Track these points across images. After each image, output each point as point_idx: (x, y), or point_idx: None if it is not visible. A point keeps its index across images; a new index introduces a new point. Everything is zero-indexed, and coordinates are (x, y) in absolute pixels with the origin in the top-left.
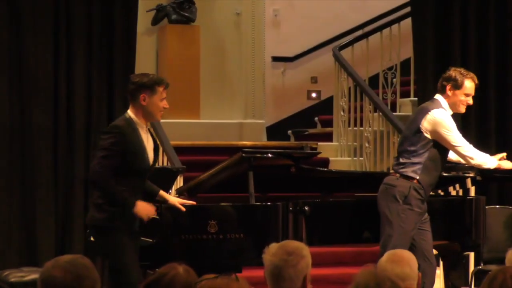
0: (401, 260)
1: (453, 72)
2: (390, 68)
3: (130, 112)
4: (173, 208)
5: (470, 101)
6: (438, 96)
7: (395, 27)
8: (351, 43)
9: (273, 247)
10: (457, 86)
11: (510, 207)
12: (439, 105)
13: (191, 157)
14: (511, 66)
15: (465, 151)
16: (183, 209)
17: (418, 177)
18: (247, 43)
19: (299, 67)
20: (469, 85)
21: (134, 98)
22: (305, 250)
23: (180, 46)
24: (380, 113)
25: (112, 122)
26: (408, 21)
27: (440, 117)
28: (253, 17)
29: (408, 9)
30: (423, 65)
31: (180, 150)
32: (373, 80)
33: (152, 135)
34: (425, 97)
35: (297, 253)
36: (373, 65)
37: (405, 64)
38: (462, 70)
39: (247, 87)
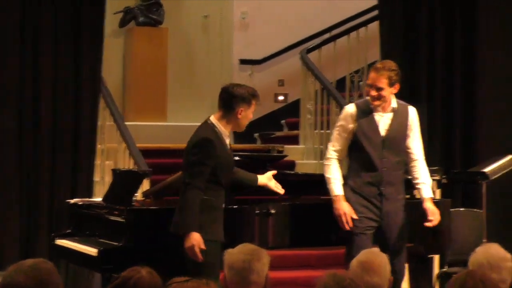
0: (371, 268)
1: None
2: (357, 71)
3: (216, 121)
4: (137, 211)
5: (373, 92)
6: None
7: (362, 30)
8: (318, 46)
9: (232, 250)
10: None
11: (475, 209)
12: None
13: (157, 160)
14: (477, 72)
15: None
16: (282, 191)
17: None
18: (215, 45)
19: (266, 69)
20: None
21: (230, 110)
22: (264, 251)
23: (147, 49)
24: None
25: (198, 134)
26: (375, 24)
27: None
28: (221, 19)
29: (375, 12)
30: None
31: (147, 153)
32: (340, 83)
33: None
34: None
35: (258, 250)
36: (340, 68)
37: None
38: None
39: (214, 89)
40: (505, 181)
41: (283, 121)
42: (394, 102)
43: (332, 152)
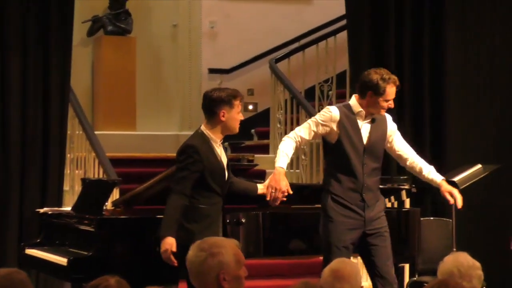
0: (341, 277)
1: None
2: (326, 81)
3: (204, 128)
4: (107, 220)
5: (391, 104)
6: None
7: (331, 39)
8: (287, 55)
9: (194, 244)
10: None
11: (444, 218)
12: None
13: (127, 169)
14: (445, 80)
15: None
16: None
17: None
18: (183, 55)
19: (235, 79)
20: (391, 90)
21: (212, 114)
22: (226, 241)
23: (116, 58)
24: None
25: (185, 142)
26: (344, 34)
27: None
28: (190, 29)
29: (344, 22)
30: (359, 78)
31: (116, 162)
32: (309, 93)
33: (225, 150)
34: None
35: (217, 243)
36: (309, 77)
37: (341, 76)
38: (384, 74)
39: (183, 99)
40: (474, 190)
41: (253, 130)
42: None
43: (295, 135)
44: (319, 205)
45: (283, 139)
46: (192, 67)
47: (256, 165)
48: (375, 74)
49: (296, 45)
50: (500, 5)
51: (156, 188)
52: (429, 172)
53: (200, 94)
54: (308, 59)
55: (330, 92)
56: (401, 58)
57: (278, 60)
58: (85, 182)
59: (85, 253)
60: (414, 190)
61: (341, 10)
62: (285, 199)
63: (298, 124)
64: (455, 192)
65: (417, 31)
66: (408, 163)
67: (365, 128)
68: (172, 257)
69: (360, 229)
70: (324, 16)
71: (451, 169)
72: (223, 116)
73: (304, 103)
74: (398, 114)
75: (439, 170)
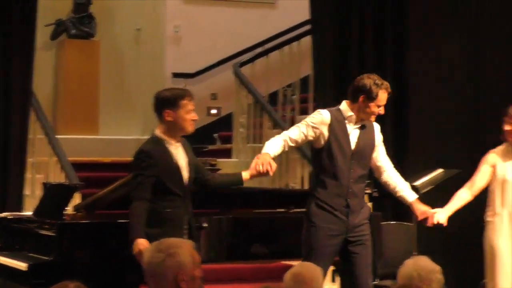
0: (303, 281)
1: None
2: (289, 85)
3: (157, 131)
4: (68, 225)
5: (383, 110)
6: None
7: (295, 44)
8: (251, 60)
9: (151, 245)
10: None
11: (405, 223)
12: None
13: (89, 174)
14: (408, 83)
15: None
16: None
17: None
18: (147, 59)
19: (199, 83)
20: (383, 96)
21: (159, 115)
22: (183, 242)
23: (79, 61)
24: (280, 130)
25: (140, 146)
26: (307, 39)
27: None
28: (154, 33)
29: (308, 27)
30: (322, 83)
31: (78, 166)
32: (273, 97)
33: (186, 150)
34: None
35: (173, 247)
36: (273, 82)
37: (304, 81)
38: (377, 80)
39: (146, 103)
40: (435, 194)
41: (216, 135)
42: None
43: (283, 134)
44: (281, 210)
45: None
46: (155, 71)
47: (219, 169)
48: (368, 79)
49: (260, 49)
50: (462, 10)
51: (119, 193)
52: (402, 189)
53: None
54: (272, 63)
55: (294, 97)
56: (365, 63)
57: (242, 64)
58: (46, 186)
59: (46, 258)
60: (375, 194)
61: (305, 15)
62: (271, 173)
63: (261, 128)
64: (428, 212)
65: (380, 36)
66: (384, 176)
67: (354, 133)
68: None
69: (343, 235)
70: (288, 21)
71: (413, 172)
72: (168, 116)
73: (268, 108)
74: None
75: (401, 172)
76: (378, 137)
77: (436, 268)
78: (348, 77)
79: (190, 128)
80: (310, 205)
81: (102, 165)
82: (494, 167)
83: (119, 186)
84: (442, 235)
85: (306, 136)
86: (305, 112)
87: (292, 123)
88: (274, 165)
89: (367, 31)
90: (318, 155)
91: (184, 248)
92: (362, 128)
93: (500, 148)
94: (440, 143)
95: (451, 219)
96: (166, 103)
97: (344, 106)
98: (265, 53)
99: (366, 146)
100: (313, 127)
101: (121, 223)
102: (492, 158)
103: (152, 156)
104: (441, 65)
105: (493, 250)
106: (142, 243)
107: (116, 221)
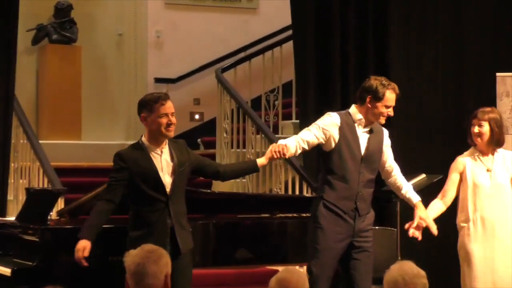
0: (288, 286)
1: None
2: (272, 91)
3: (143, 135)
4: (52, 230)
5: (391, 112)
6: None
7: (277, 50)
8: (234, 65)
9: (132, 251)
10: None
11: (389, 228)
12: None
13: (72, 179)
14: None
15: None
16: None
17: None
18: (129, 64)
19: (182, 88)
20: (391, 96)
21: (140, 119)
22: (164, 251)
23: (61, 66)
24: (263, 135)
25: None
26: (289, 44)
27: None
28: (136, 38)
29: (290, 32)
30: (304, 88)
31: (61, 171)
32: (256, 102)
33: (176, 153)
34: (306, 119)
35: (156, 251)
36: (255, 87)
37: (287, 86)
38: (384, 80)
39: (129, 108)
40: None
41: (199, 140)
42: None
43: (296, 136)
44: (266, 215)
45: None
46: (138, 76)
47: None
48: (375, 80)
49: (242, 55)
50: (442, 15)
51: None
52: (407, 191)
53: None
54: (254, 69)
55: (276, 102)
56: (347, 68)
57: (225, 70)
58: (30, 191)
59: (30, 263)
60: None
61: (287, 20)
62: (287, 155)
63: (244, 134)
64: (428, 220)
65: (362, 41)
66: (391, 178)
67: (363, 137)
68: (83, 260)
69: (348, 238)
70: (270, 27)
71: None
72: (144, 120)
73: (250, 113)
74: None
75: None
76: (387, 141)
77: (421, 273)
78: (330, 82)
79: (165, 132)
80: (317, 206)
81: (85, 170)
82: (463, 173)
83: (103, 191)
84: (424, 240)
85: (317, 138)
86: (288, 117)
87: (276, 128)
88: (290, 150)
89: (349, 36)
90: (328, 158)
91: (165, 253)
92: (370, 132)
93: (467, 153)
94: (423, 149)
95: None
96: (142, 107)
97: (353, 109)
98: (248, 58)
99: (375, 151)
100: (323, 129)
101: (105, 228)
102: (460, 164)
103: (124, 160)
104: (423, 70)
105: (468, 256)
106: (82, 246)
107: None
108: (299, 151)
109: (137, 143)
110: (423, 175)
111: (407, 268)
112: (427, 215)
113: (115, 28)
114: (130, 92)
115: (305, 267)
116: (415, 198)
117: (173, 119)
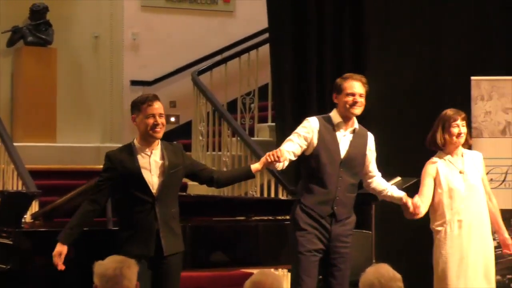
0: None
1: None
2: (248, 94)
3: (135, 137)
4: (26, 233)
5: (358, 99)
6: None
7: (253, 53)
8: (210, 68)
9: (101, 262)
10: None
11: (364, 231)
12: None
13: (47, 181)
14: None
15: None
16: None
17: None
18: (105, 66)
19: (158, 91)
20: (348, 84)
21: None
22: (133, 261)
23: (36, 68)
24: (239, 138)
25: None
26: (266, 47)
27: None
28: (112, 40)
29: (266, 35)
30: (281, 91)
31: (36, 174)
32: (232, 105)
33: (169, 155)
34: (283, 123)
35: (127, 260)
36: (231, 90)
37: (263, 89)
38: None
39: (105, 110)
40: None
41: (175, 143)
42: (356, 123)
43: (282, 148)
44: (241, 218)
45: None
46: (113, 78)
47: None
48: (338, 78)
49: (218, 57)
50: (419, 20)
51: (77, 201)
52: (391, 191)
53: (122, 106)
54: (231, 72)
55: (252, 105)
56: (323, 71)
57: (201, 72)
58: (4, 194)
59: (4, 266)
60: None
61: (263, 23)
62: (281, 159)
63: (220, 137)
64: (417, 207)
65: (338, 44)
66: (373, 183)
67: (344, 140)
68: (59, 263)
69: (325, 244)
70: (247, 29)
71: None
72: (133, 120)
73: (226, 116)
74: None
75: (361, 182)
76: (371, 146)
77: (397, 276)
78: (306, 85)
79: (152, 132)
80: (295, 211)
81: (60, 173)
82: (436, 178)
83: (78, 194)
84: (399, 243)
85: (301, 146)
86: (264, 120)
87: (252, 131)
88: (284, 154)
89: (325, 38)
90: (307, 162)
91: (134, 261)
92: (353, 135)
93: (435, 158)
94: (399, 152)
95: (408, 227)
96: (132, 108)
97: (333, 113)
98: (224, 61)
99: (357, 154)
100: (304, 136)
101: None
102: (433, 169)
103: (111, 160)
104: (400, 74)
105: (443, 259)
106: (58, 250)
107: None
108: (286, 163)
109: (128, 144)
110: (398, 178)
111: (383, 271)
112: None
113: (91, 30)
114: (105, 95)
115: (280, 269)
116: (401, 193)
117: (160, 120)
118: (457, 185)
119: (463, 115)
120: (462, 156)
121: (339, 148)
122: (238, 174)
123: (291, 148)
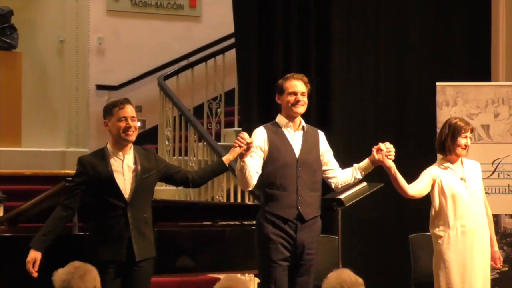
0: None
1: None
2: (214, 98)
3: (108, 142)
4: None
5: (300, 97)
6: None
7: (219, 57)
8: (176, 72)
9: (61, 269)
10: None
11: (330, 236)
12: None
13: (12, 186)
14: (331, 92)
15: None
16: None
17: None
18: (70, 70)
19: (124, 95)
20: (290, 83)
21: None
22: (91, 266)
23: (1, 73)
24: (205, 143)
25: None
26: (232, 52)
27: None
28: (77, 44)
29: (232, 40)
30: (247, 96)
31: (1, 179)
32: (198, 110)
33: (141, 160)
34: (249, 128)
35: (82, 267)
36: (198, 95)
37: (229, 94)
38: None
39: (70, 115)
40: (359, 207)
41: (148, 148)
42: (303, 122)
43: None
44: (208, 223)
45: None
46: (79, 83)
47: None
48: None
49: (185, 62)
50: (383, 25)
51: (43, 206)
52: (357, 166)
53: (87, 110)
54: (197, 76)
55: (219, 110)
56: (289, 73)
57: (167, 77)
58: None
59: None
60: None
61: (230, 28)
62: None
63: (186, 141)
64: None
65: (304, 50)
66: (335, 178)
67: (296, 140)
68: (33, 271)
69: (291, 251)
70: (213, 34)
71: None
72: (106, 125)
73: (193, 121)
74: None
75: (325, 187)
76: (323, 142)
77: (359, 280)
78: (272, 90)
79: (124, 135)
80: (260, 221)
81: (25, 177)
82: (436, 182)
83: (43, 199)
84: (364, 248)
85: (260, 157)
86: (230, 125)
87: (218, 136)
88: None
89: (291, 43)
90: (263, 168)
91: (93, 269)
92: (303, 133)
93: (436, 166)
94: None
95: (375, 233)
96: (104, 112)
97: (278, 117)
98: (190, 66)
99: (311, 151)
100: (257, 146)
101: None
102: (436, 172)
103: (83, 164)
104: (365, 79)
105: (446, 264)
106: (32, 257)
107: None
108: (254, 181)
109: (101, 148)
110: (364, 183)
111: (345, 276)
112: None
113: (57, 34)
114: (71, 99)
115: (247, 274)
116: (361, 170)
117: (133, 123)
118: (460, 191)
119: (471, 127)
120: (461, 164)
121: (292, 148)
122: (211, 169)
123: (253, 162)
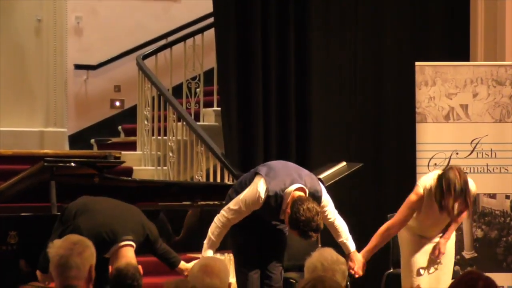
0: (211, 272)
1: None
2: (193, 78)
3: None
4: None
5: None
6: None
7: (198, 37)
8: (154, 52)
9: (58, 241)
10: None
11: None
12: None
13: None
14: (310, 78)
15: None
16: None
17: None
18: (48, 50)
19: (102, 75)
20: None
21: None
22: (89, 242)
23: None
24: (184, 123)
25: None
26: (211, 32)
27: None
28: (55, 23)
29: (211, 19)
30: (226, 76)
31: None
32: (177, 90)
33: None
34: (228, 107)
35: (81, 243)
36: (176, 74)
37: (208, 74)
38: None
39: (48, 94)
40: (338, 187)
41: (120, 127)
42: None
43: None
44: (187, 202)
45: None
46: (57, 62)
47: (123, 162)
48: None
49: (163, 42)
50: (361, 6)
51: (21, 186)
52: (345, 241)
53: (65, 90)
54: (176, 56)
55: (198, 90)
56: (268, 56)
57: (146, 57)
58: None
59: None
60: None
61: (208, 7)
62: None
63: (165, 121)
64: (358, 263)
65: (283, 30)
66: (331, 228)
67: None
68: None
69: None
70: (192, 14)
71: (316, 166)
72: None
73: (172, 101)
74: (264, 113)
75: (305, 166)
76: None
77: (340, 259)
78: (251, 70)
79: None
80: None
81: (3, 157)
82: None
83: (21, 179)
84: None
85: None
86: (209, 105)
87: (197, 115)
88: None
89: (270, 23)
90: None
91: (89, 243)
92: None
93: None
94: (343, 138)
95: (354, 212)
96: None
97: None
98: (169, 45)
99: None
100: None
101: (24, 216)
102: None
103: None
104: (342, 59)
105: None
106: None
107: (19, 215)
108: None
109: None
110: (344, 163)
111: (326, 255)
112: (359, 263)
113: (34, 13)
114: (49, 79)
115: (226, 254)
116: (351, 247)
117: None
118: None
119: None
120: None
121: None
122: (167, 262)
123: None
